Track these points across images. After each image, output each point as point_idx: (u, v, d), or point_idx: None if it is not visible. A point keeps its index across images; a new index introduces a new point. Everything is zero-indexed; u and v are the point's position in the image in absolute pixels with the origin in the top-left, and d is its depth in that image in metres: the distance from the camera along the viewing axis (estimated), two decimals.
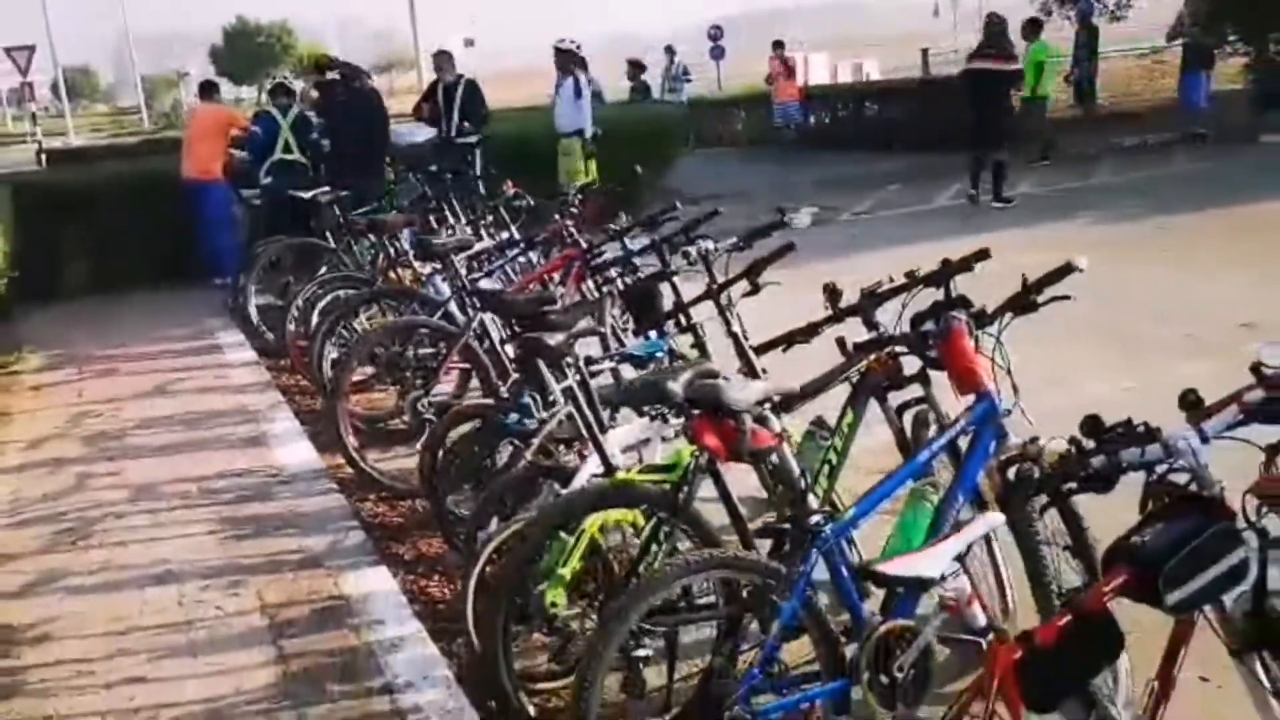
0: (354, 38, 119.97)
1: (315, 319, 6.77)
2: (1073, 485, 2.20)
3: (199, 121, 10.89)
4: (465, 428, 4.58)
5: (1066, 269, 3.00)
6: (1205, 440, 2.14)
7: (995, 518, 2.64)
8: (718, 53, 26.04)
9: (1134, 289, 7.71)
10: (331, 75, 9.92)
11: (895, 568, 2.36)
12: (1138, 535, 2.10)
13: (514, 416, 4.16)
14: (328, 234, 8.27)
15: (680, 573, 2.68)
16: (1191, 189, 12.37)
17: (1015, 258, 3.54)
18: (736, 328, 4.50)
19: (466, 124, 10.85)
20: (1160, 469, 2.15)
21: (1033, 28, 15.16)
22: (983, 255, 3.37)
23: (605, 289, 5.64)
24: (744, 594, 2.79)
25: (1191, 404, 2.25)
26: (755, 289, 4.55)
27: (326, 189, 8.46)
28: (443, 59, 11.28)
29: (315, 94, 10.57)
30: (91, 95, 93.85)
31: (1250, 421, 2.17)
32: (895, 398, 3.55)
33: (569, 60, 11.27)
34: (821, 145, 19.07)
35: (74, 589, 4.44)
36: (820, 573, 2.66)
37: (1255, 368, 2.27)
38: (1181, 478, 2.15)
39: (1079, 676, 2.14)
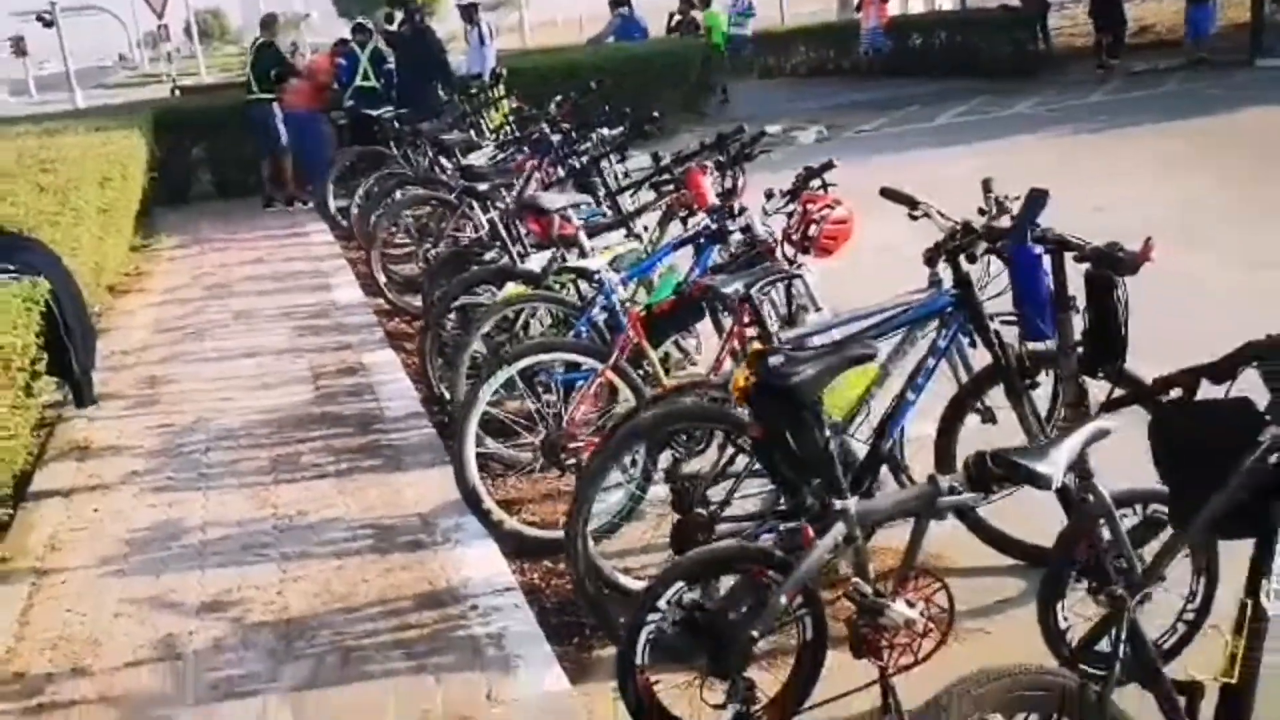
0: None
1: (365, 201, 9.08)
2: None
3: (311, 67, 13.26)
4: None
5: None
6: None
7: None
8: None
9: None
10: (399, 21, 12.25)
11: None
12: None
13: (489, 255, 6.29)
14: (390, 143, 10.56)
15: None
16: (1166, 105, 13.86)
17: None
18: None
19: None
20: None
21: None
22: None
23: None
24: None
25: None
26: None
27: (390, 109, 10.78)
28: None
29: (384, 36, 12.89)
30: (221, 37, 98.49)
31: None
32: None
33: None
34: (893, 73, 20.18)
35: (195, 360, 6.86)
36: None
37: None
38: None
39: None
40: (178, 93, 23.45)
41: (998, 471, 2.14)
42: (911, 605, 2.98)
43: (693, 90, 16.67)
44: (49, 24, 33.74)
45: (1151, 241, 2.80)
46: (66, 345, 4.81)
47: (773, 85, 22.37)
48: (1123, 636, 2.18)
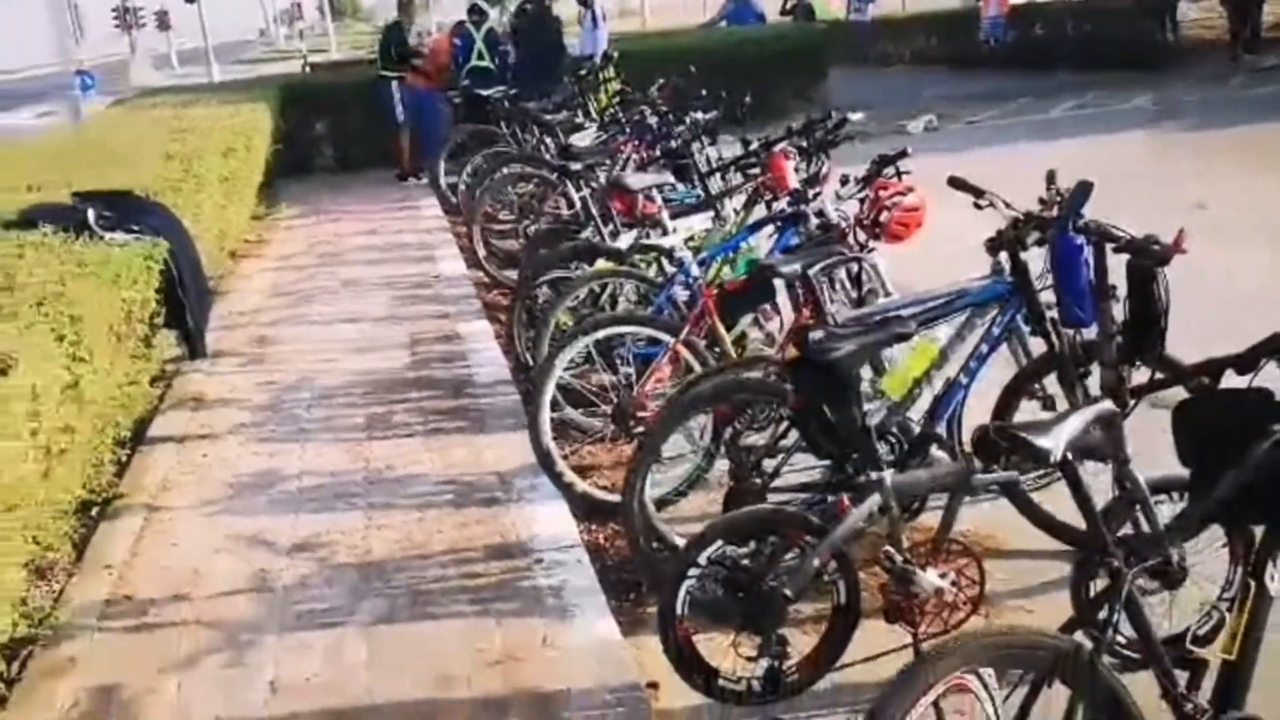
0: None
1: (472, 178, 9.41)
2: None
3: (432, 47, 13.70)
4: None
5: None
6: None
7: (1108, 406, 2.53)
8: None
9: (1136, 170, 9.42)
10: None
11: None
12: None
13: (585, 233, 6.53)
14: (500, 122, 10.88)
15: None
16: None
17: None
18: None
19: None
20: None
21: None
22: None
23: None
24: None
25: None
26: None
27: (501, 88, 11.09)
28: None
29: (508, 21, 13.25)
30: (354, 15, 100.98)
31: None
32: None
33: None
34: (1014, 63, 19.71)
35: (303, 322, 7.27)
36: None
37: None
38: None
39: None
40: (308, 69, 24.22)
41: (1001, 444, 2.28)
42: (943, 576, 3.13)
43: (804, 75, 16.64)
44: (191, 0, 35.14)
45: (1183, 233, 2.89)
46: (182, 301, 5.20)
47: (890, 72, 22.13)
48: (1118, 606, 2.30)
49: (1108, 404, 2.41)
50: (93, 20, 46.16)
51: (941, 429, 3.79)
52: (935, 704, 2.24)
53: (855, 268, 4.57)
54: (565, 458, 4.62)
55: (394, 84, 12.67)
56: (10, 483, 2.89)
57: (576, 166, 6.32)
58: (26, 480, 3.07)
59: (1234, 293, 5.93)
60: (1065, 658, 2.27)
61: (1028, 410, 3.93)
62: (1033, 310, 3.70)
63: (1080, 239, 3.21)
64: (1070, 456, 2.30)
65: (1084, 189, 3.25)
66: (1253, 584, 2.46)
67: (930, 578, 3.04)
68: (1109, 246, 3.16)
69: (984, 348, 3.74)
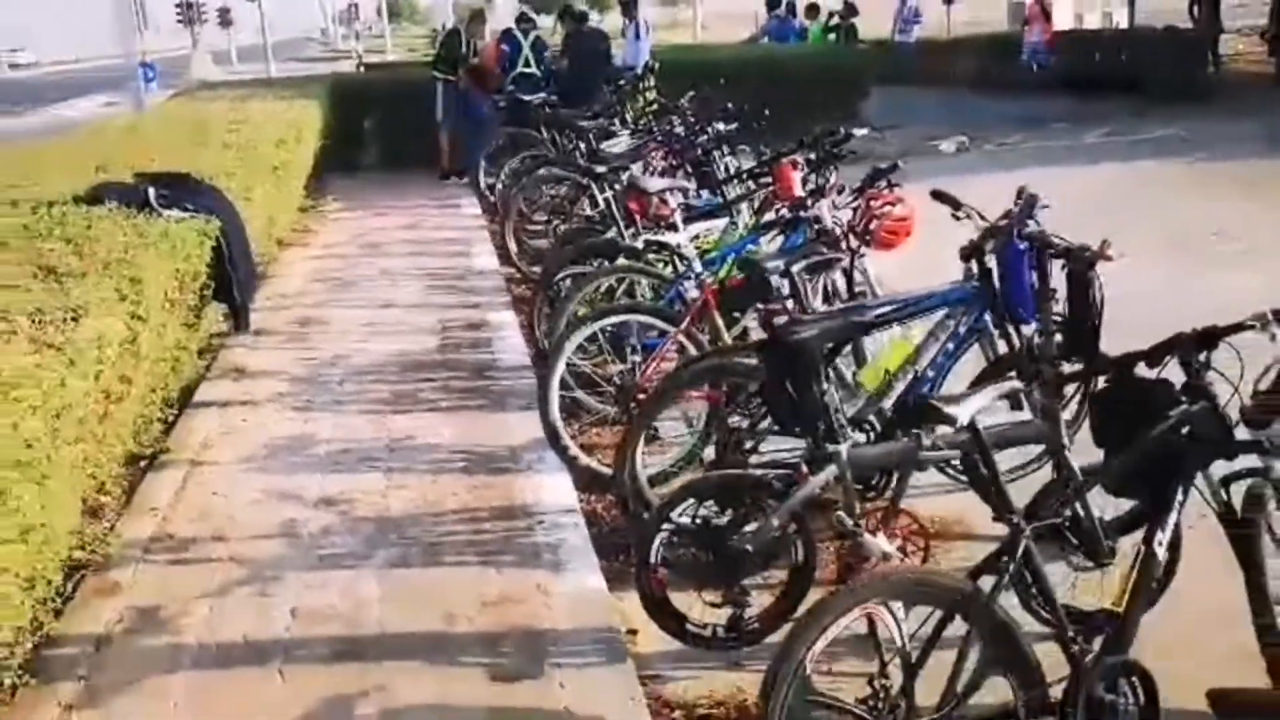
0: None
1: (509, 178, 9.87)
2: None
3: (483, 53, 14.20)
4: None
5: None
6: None
7: (1016, 385, 3.08)
8: None
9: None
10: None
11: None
12: None
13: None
14: (540, 127, 11.33)
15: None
16: None
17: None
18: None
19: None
20: None
21: None
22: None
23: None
24: None
25: None
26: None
27: (541, 95, 11.56)
28: (631, 6, 14.19)
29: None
30: (410, 17, 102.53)
31: None
32: None
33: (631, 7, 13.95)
34: (1055, 88, 19.95)
35: (342, 306, 7.73)
36: None
37: None
38: None
39: None
40: (361, 68, 24.88)
41: (916, 412, 2.66)
42: (891, 542, 3.51)
43: (844, 93, 16.94)
44: None
45: (1107, 243, 3.25)
46: (231, 276, 5.66)
47: (930, 93, 22.40)
48: (1015, 557, 2.67)
49: (1015, 383, 2.78)
50: (158, 15, 47.34)
51: None
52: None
53: (848, 271, 4.95)
54: (573, 436, 5.03)
55: (439, 86, 13.16)
56: (78, 418, 3.33)
57: (601, 170, 6.74)
58: (88, 419, 3.52)
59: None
60: (964, 598, 2.65)
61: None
62: (995, 312, 4.06)
63: (1023, 245, 3.58)
64: (976, 424, 2.68)
65: (1030, 202, 3.62)
66: (1143, 548, 2.82)
67: (879, 543, 3.39)
68: (1049, 253, 3.52)
69: (950, 345, 4.10)
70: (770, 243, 5.54)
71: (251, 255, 6.07)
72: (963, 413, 2.61)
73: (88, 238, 4.45)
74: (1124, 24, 29.82)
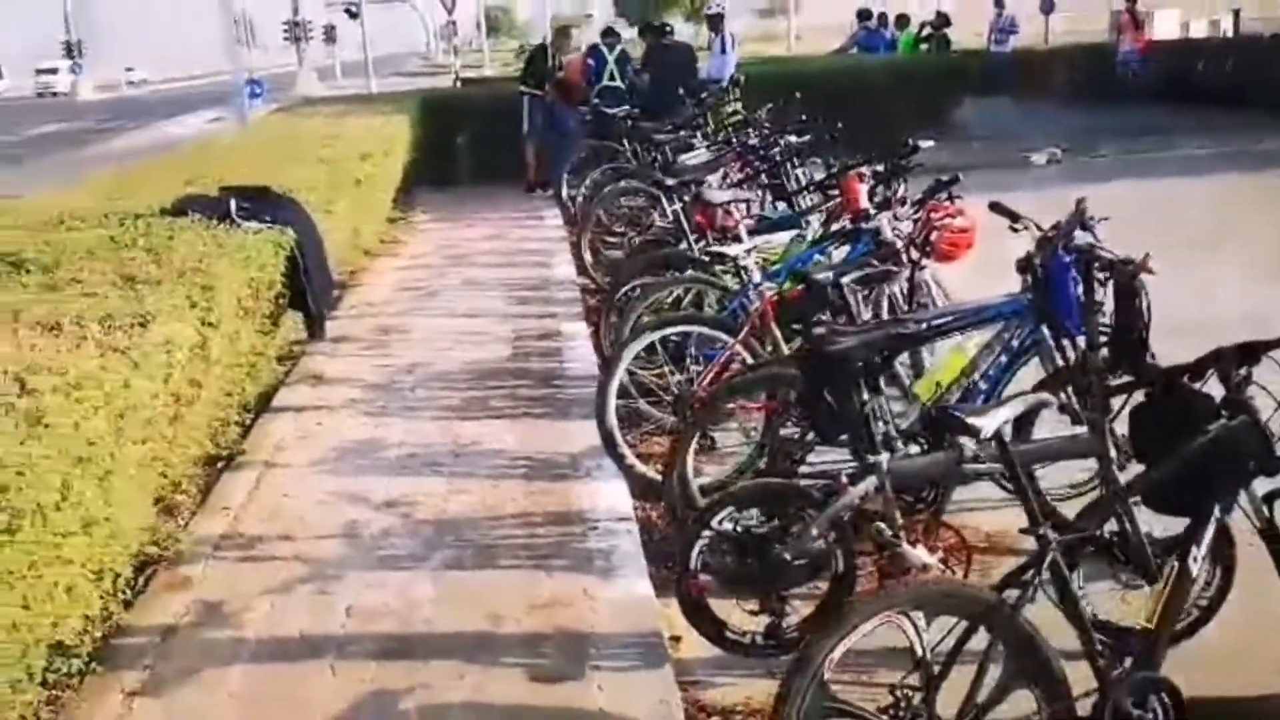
0: None
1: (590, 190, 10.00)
2: None
3: (569, 67, 14.42)
4: None
5: None
6: None
7: (1045, 397, 3.05)
8: (1047, 6, 27.11)
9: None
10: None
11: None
12: None
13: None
14: (622, 140, 11.46)
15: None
16: None
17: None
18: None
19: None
20: None
21: None
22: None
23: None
24: None
25: None
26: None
27: (624, 108, 11.70)
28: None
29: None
30: (509, 32, 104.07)
31: None
32: None
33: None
34: (1156, 98, 19.45)
35: (423, 315, 7.94)
36: None
37: None
38: None
39: None
40: (459, 83, 25.37)
41: (939, 422, 2.66)
42: (931, 553, 3.50)
43: (933, 104, 16.76)
44: (354, 15, 37.01)
45: (1148, 256, 3.21)
46: (305, 286, 5.86)
47: (1025, 104, 22.03)
48: (1042, 569, 2.65)
49: (1044, 395, 2.77)
50: (266, 33, 48.88)
51: None
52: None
53: (909, 282, 4.95)
54: (631, 445, 5.10)
55: (526, 100, 13.38)
56: (145, 419, 3.50)
57: (671, 182, 6.81)
58: (156, 420, 3.69)
59: None
60: (988, 609, 2.64)
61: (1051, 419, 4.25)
62: (1050, 325, 4.02)
63: (1069, 258, 3.54)
64: (1004, 437, 2.68)
65: (1079, 214, 3.58)
66: (1177, 564, 2.79)
67: (918, 554, 3.41)
68: (1095, 265, 3.48)
69: (1004, 358, 4.07)
70: (834, 254, 5.54)
71: (328, 266, 6.27)
72: (988, 424, 2.61)
73: (168, 247, 4.68)
74: (1230, 33, 29.07)
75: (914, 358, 4.75)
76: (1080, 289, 3.56)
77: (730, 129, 10.40)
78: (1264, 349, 2.80)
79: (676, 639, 3.79)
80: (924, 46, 19.33)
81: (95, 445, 2.96)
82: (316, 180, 6.99)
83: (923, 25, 19.84)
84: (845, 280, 4.18)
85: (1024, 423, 4.25)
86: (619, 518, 4.58)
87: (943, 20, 19.66)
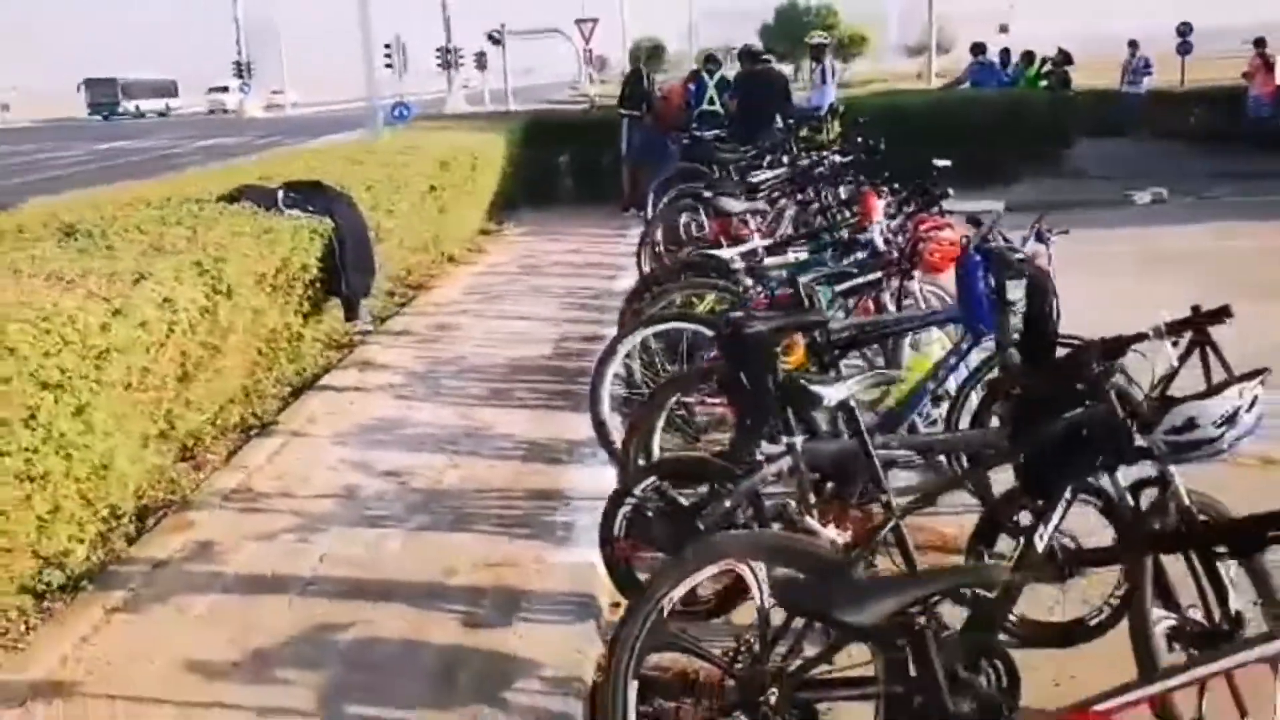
0: (912, 23, 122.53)
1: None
2: None
3: (668, 92, 14.85)
4: None
5: None
6: None
7: (892, 374, 4.01)
8: (1185, 49, 26.31)
9: None
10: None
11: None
12: None
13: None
14: (710, 163, 11.76)
15: None
16: None
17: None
18: None
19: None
20: None
21: None
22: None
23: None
24: None
25: None
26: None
27: (714, 131, 12.01)
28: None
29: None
30: (659, 65, 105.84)
31: None
32: None
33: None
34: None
35: (481, 316, 8.37)
36: None
37: None
38: None
39: None
40: (593, 110, 26.04)
41: (792, 392, 2.87)
42: (842, 535, 3.67)
43: (1041, 141, 16.55)
44: (497, 42, 38.41)
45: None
46: (340, 273, 6.29)
47: (1148, 145, 21.49)
48: (883, 533, 2.83)
49: (891, 373, 2.95)
50: (419, 60, 50.87)
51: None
52: None
53: (898, 288, 5.11)
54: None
55: (624, 122, 13.82)
56: (137, 365, 3.93)
57: (708, 195, 7.06)
58: (154, 371, 4.13)
59: None
60: (824, 565, 2.83)
61: None
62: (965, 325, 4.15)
63: (978, 258, 3.69)
64: (852, 404, 2.87)
65: (993, 217, 3.73)
66: (1021, 541, 2.92)
67: (827, 532, 3.58)
68: (1004, 267, 3.63)
69: (951, 359, 4.21)
70: (832, 262, 5.73)
71: (372, 258, 6.72)
72: (831, 394, 2.81)
73: (207, 226, 5.16)
74: None
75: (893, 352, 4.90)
76: (990, 289, 3.69)
77: (810, 154, 10.61)
78: (1127, 343, 2.92)
79: (617, 605, 4.03)
80: (1044, 83, 19.05)
81: (67, 375, 3.38)
82: (376, 181, 7.48)
83: (1044, 61, 19.56)
84: (803, 280, 4.38)
85: (984, 413, 4.42)
86: (595, 497, 4.82)
87: (1064, 58, 19.36)
